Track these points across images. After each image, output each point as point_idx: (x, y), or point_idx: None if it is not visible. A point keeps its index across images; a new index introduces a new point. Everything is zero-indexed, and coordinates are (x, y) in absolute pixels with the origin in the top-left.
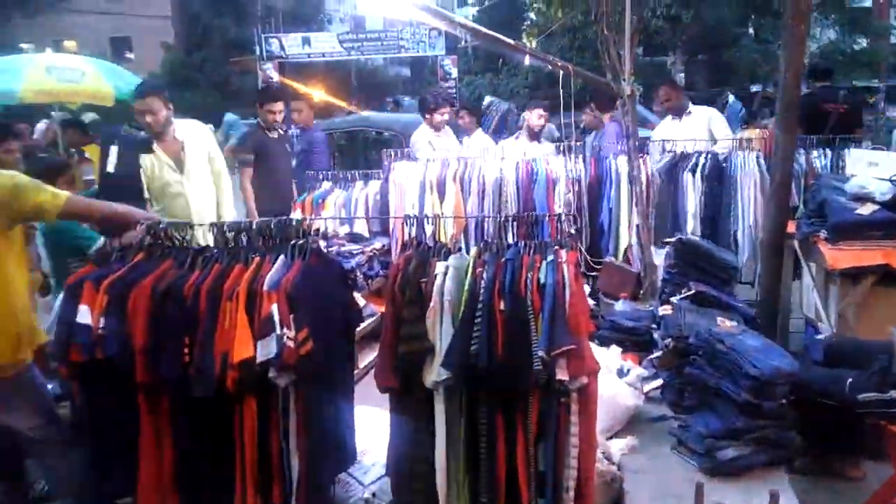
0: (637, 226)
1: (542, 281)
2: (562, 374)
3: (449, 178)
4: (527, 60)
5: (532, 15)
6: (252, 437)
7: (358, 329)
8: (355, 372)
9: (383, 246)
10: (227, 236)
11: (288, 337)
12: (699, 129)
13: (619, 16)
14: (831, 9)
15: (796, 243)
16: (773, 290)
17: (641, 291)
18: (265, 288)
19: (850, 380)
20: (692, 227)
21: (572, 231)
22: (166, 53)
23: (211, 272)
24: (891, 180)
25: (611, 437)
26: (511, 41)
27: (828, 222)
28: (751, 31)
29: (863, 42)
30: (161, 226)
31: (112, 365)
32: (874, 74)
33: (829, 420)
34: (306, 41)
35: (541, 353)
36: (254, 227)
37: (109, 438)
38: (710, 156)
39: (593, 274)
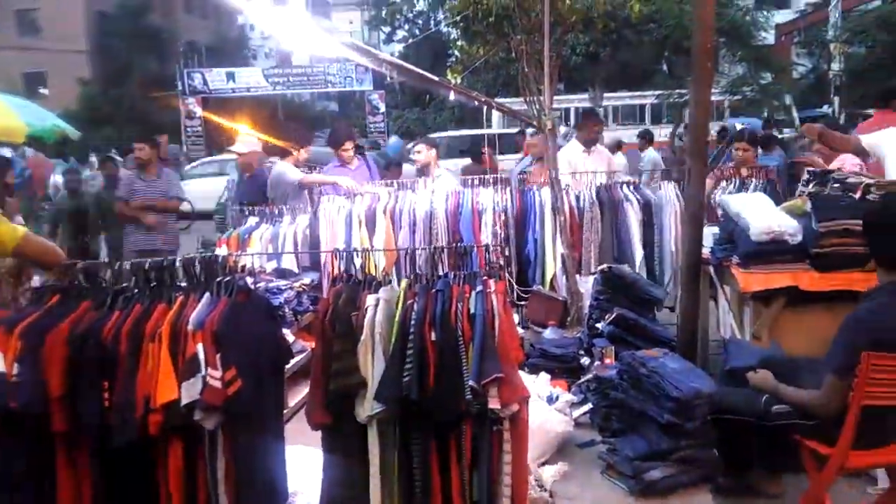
0: (562, 255)
1: (471, 311)
2: (493, 403)
3: (379, 211)
4: (452, 96)
5: (456, 52)
6: (178, 484)
7: (288, 366)
8: (286, 410)
9: (312, 281)
10: (148, 275)
11: (214, 377)
12: (602, 162)
13: (538, 54)
14: (737, 45)
15: (711, 268)
16: (691, 314)
17: (569, 319)
18: (189, 327)
19: (764, 396)
20: (640, 256)
21: (500, 261)
22: (82, 88)
23: (132, 312)
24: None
25: (542, 464)
26: (435, 78)
27: (738, 248)
28: (664, 67)
29: (768, 77)
30: (78, 266)
31: (27, 414)
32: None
33: (747, 437)
34: (230, 76)
35: (471, 383)
36: (177, 264)
37: (25, 491)
38: (634, 187)
39: (522, 303)
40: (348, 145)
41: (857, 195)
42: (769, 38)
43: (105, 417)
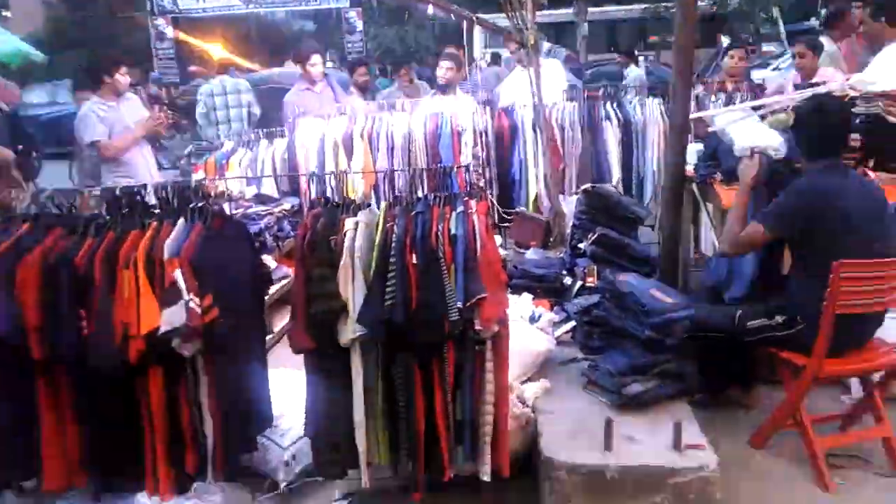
0: (545, 175)
1: (452, 232)
2: (478, 324)
3: (356, 134)
4: (430, 10)
5: None
6: (160, 408)
7: (270, 292)
8: (270, 335)
9: (293, 206)
10: (120, 201)
11: (195, 303)
12: (549, 78)
13: None
14: None
15: (695, 186)
16: (673, 231)
17: (551, 239)
18: (165, 254)
19: (739, 312)
20: (616, 174)
21: (481, 182)
22: (47, 10)
23: (105, 240)
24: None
25: (525, 382)
26: None
27: (722, 165)
28: None
29: None
30: (45, 193)
31: (4, 344)
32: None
33: (724, 352)
34: None
35: (458, 305)
36: (148, 190)
37: (7, 421)
38: (617, 104)
39: (505, 225)
40: (315, 59)
41: None
42: None
43: (83, 346)
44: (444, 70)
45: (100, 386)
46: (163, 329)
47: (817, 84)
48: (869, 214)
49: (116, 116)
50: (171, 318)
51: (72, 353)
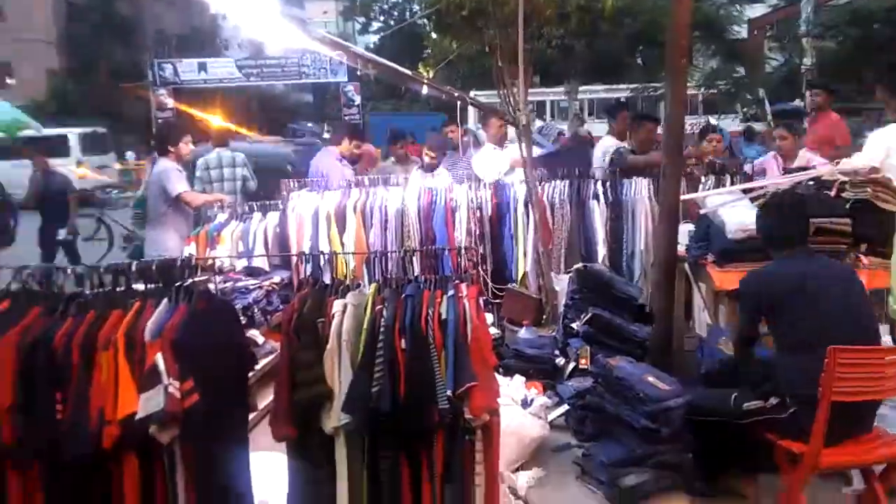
0: (537, 252)
1: (443, 317)
2: (468, 412)
3: (349, 208)
4: (424, 90)
5: (429, 46)
6: (133, 499)
7: (257, 367)
8: (254, 414)
9: (282, 280)
10: (102, 279)
11: (175, 387)
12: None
13: (512, 48)
14: (711, 39)
15: (687, 266)
16: (666, 312)
17: (544, 317)
18: (147, 336)
19: (734, 395)
20: (602, 254)
21: (474, 261)
22: (50, 79)
23: (85, 319)
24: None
25: (517, 469)
26: (408, 72)
27: (713, 246)
28: (639, 61)
29: (741, 71)
30: (28, 270)
31: None
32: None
33: (721, 438)
34: (202, 67)
35: (447, 393)
36: (133, 268)
37: None
38: (607, 183)
39: (497, 301)
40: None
41: (833, 193)
42: (742, 32)
43: (58, 430)
44: (427, 157)
45: (72, 473)
46: (140, 415)
47: (807, 168)
48: (836, 294)
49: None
50: (149, 403)
51: (45, 438)
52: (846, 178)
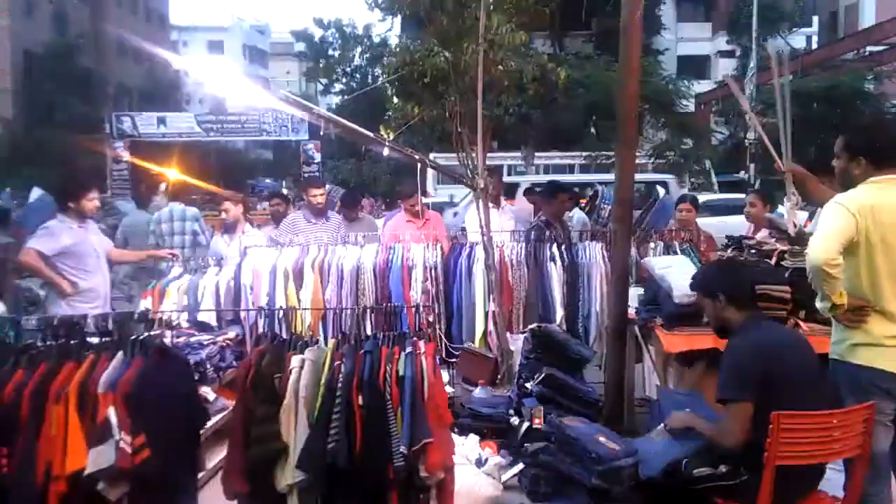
0: (493, 312)
1: (400, 374)
2: (423, 469)
3: (307, 265)
4: (386, 151)
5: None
6: None
7: (208, 424)
8: (203, 473)
9: (237, 335)
10: (56, 331)
11: (126, 442)
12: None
13: (472, 114)
14: (660, 112)
15: (637, 328)
16: (618, 373)
17: (499, 377)
18: (100, 388)
19: (685, 460)
20: (560, 314)
21: (430, 319)
22: (4, 128)
23: (37, 372)
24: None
25: None
26: (370, 133)
27: (662, 310)
28: (593, 130)
29: (689, 142)
30: None
31: None
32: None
33: (669, 501)
34: (161, 121)
35: (402, 449)
36: (88, 320)
37: None
38: (562, 246)
39: (452, 360)
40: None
41: (773, 261)
42: (690, 106)
43: (2, 485)
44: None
45: None
46: (89, 470)
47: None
48: (803, 367)
49: (83, 237)
50: (100, 458)
51: None
52: (785, 248)
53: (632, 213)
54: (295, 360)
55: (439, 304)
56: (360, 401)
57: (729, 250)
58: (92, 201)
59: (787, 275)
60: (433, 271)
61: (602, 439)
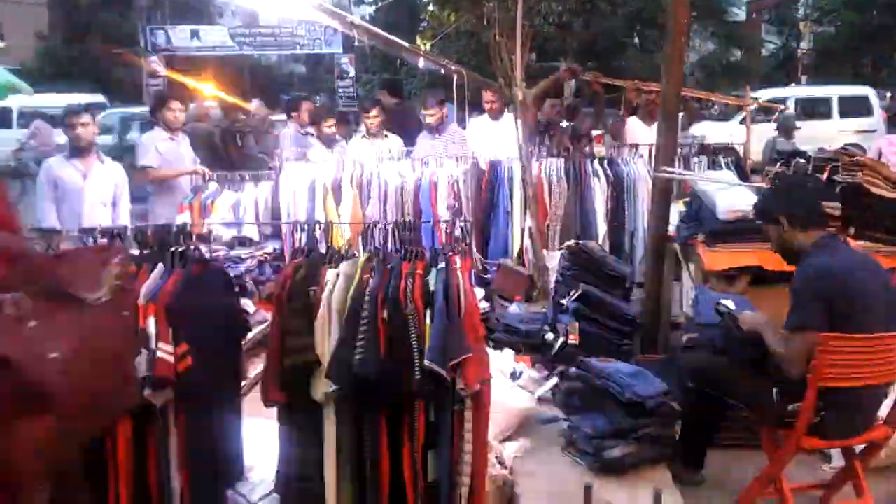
0: (530, 228)
1: (431, 288)
2: (461, 383)
3: (346, 181)
4: (421, 63)
5: (427, 18)
6: (127, 463)
7: (249, 336)
8: (246, 382)
9: (275, 250)
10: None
11: (165, 351)
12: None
13: (511, 22)
14: (709, 20)
15: (677, 246)
16: (655, 291)
17: (535, 293)
18: (141, 300)
19: (775, 390)
20: (603, 231)
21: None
22: (40, 43)
23: None
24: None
25: (503, 441)
26: (405, 44)
27: (704, 227)
28: (636, 40)
29: (738, 54)
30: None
31: None
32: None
33: (715, 414)
34: (195, 34)
35: (429, 365)
36: (128, 233)
37: None
38: (607, 162)
39: (486, 276)
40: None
41: (824, 177)
42: (741, 14)
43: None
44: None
45: None
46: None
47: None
48: (874, 292)
49: (175, 148)
50: (140, 366)
51: None
52: (837, 162)
53: (676, 126)
54: (330, 274)
55: (468, 220)
56: (385, 314)
57: (777, 165)
58: (173, 111)
59: (837, 190)
60: (455, 186)
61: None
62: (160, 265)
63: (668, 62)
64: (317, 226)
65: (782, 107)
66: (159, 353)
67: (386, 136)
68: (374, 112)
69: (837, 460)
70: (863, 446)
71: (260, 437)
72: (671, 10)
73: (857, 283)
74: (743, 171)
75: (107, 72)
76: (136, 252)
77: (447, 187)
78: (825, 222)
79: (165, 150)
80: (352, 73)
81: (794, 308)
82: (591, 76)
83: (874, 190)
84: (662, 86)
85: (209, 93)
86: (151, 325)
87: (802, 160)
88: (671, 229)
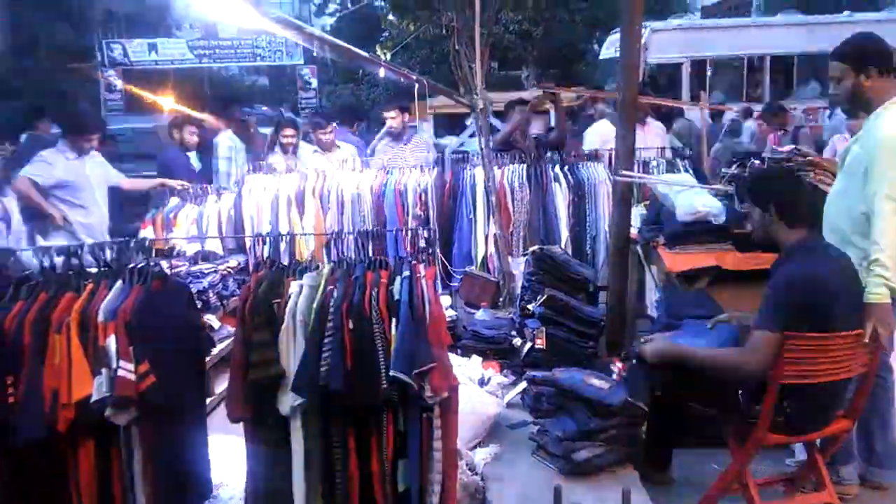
0: (495, 235)
1: (396, 297)
2: (428, 391)
3: (308, 192)
4: (382, 73)
5: (387, 28)
6: (89, 483)
7: (214, 352)
8: (211, 399)
9: (239, 264)
10: (54, 261)
11: (126, 370)
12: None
13: (470, 30)
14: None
15: (639, 248)
16: (620, 293)
17: (501, 299)
18: (100, 318)
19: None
20: (565, 236)
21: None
22: None
23: (36, 302)
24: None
25: (474, 447)
26: (366, 54)
27: (664, 229)
28: (596, 46)
29: None
30: None
31: None
32: None
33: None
34: (153, 47)
35: (395, 374)
36: (85, 249)
37: None
38: (565, 167)
39: (453, 284)
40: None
41: None
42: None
43: (8, 414)
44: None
45: (25, 457)
46: (94, 397)
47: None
48: (851, 304)
49: (79, 170)
50: (100, 387)
51: None
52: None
53: (634, 127)
54: (293, 286)
55: (433, 228)
56: (350, 324)
57: (733, 167)
58: (91, 142)
59: None
60: (422, 196)
61: (593, 381)
62: (119, 282)
63: (623, 68)
64: (281, 238)
65: (734, 108)
66: (120, 372)
67: (338, 146)
68: (329, 128)
69: (800, 454)
70: (821, 441)
71: (229, 454)
72: (625, 15)
73: (836, 289)
74: (700, 174)
75: (63, 86)
76: (93, 269)
77: (415, 196)
78: (812, 221)
79: (64, 169)
80: (314, 84)
81: (770, 310)
82: (542, 89)
83: (824, 188)
84: (619, 92)
85: (168, 107)
86: (112, 343)
87: (757, 161)
88: (633, 231)
